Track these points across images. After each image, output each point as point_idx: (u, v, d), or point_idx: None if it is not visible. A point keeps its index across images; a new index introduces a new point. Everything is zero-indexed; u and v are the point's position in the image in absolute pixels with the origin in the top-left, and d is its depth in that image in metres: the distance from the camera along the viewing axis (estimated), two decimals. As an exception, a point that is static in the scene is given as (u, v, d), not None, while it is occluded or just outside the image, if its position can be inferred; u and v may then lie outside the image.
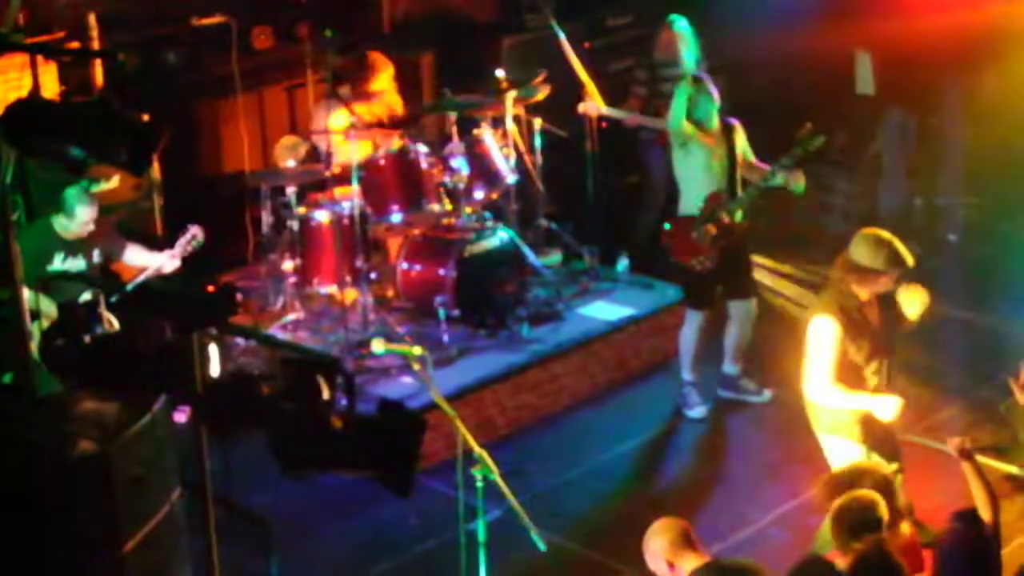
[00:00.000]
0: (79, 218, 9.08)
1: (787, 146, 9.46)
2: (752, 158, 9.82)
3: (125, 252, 9.50)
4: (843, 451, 7.74)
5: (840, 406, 7.63)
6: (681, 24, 11.51)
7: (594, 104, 11.19)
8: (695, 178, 9.70)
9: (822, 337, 7.59)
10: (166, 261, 9.42)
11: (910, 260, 7.64)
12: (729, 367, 10.20)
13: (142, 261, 9.46)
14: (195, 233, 9.45)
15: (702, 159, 9.64)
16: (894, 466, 7.60)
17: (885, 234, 7.70)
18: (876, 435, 7.69)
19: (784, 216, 12.33)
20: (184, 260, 9.45)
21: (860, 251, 7.60)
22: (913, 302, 7.80)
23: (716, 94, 9.66)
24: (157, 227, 10.29)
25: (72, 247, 9.15)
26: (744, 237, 9.88)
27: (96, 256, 9.27)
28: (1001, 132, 11.78)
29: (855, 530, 6.27)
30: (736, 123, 9.79)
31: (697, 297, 10.00)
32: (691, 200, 9.73)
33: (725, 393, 10.20)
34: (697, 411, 10.04)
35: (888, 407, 7.56)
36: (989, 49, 11.80)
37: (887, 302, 7.77)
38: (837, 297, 7.67)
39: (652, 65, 11.63)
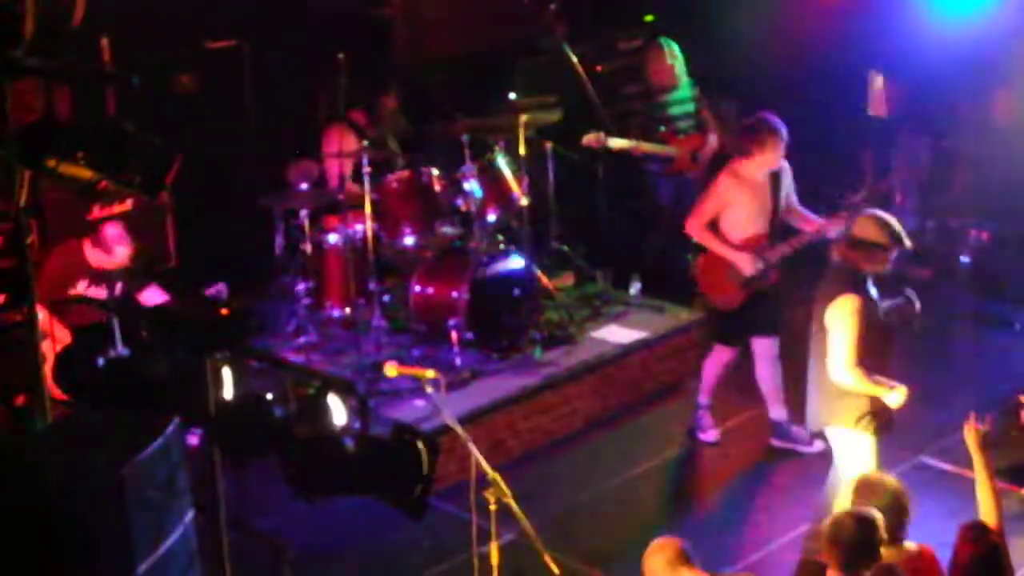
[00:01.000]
0: (116, 257, 9.17)
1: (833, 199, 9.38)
2: (796, 202, 9.55)
3: (145, 291, 9.50)
4: (851, 443, 7.89)
5: (856, 388, 7.73)
6: (672, 47, 11.51)
7: (600, 135, 11.16)
8: (738, 218, 9.44)
9: (847, 312, 7.71)
10: None
11: (906, 239, 7.84)
12: (776, 412, 9.84)
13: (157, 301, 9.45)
14: (220, 290, 9.47)
15: (747, 199, 9.41)
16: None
17: (886, 215, 7.91)
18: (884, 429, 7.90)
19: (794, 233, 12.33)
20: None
21: (864, 228, 7.80)
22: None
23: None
24: (170, 250, 10.31)
25: (97, 276, 9.18)
26: (778, 279, 9.60)
27: (118, 289, 9.28)
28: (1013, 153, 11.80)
29: (854, 561, 6.26)
30: (785, 164, 9.50)
31: (726, 333, 9.80)
32: (731, 239, 9.47)
33: (777, 443, 9.83)
34: (710, 434, 10.00)
35: (897, 396, 7.72)
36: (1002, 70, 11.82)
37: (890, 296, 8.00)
38: (850, 277, 7.81)
39: (648, 92, 11.62)
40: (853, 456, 7.89)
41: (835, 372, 7.76)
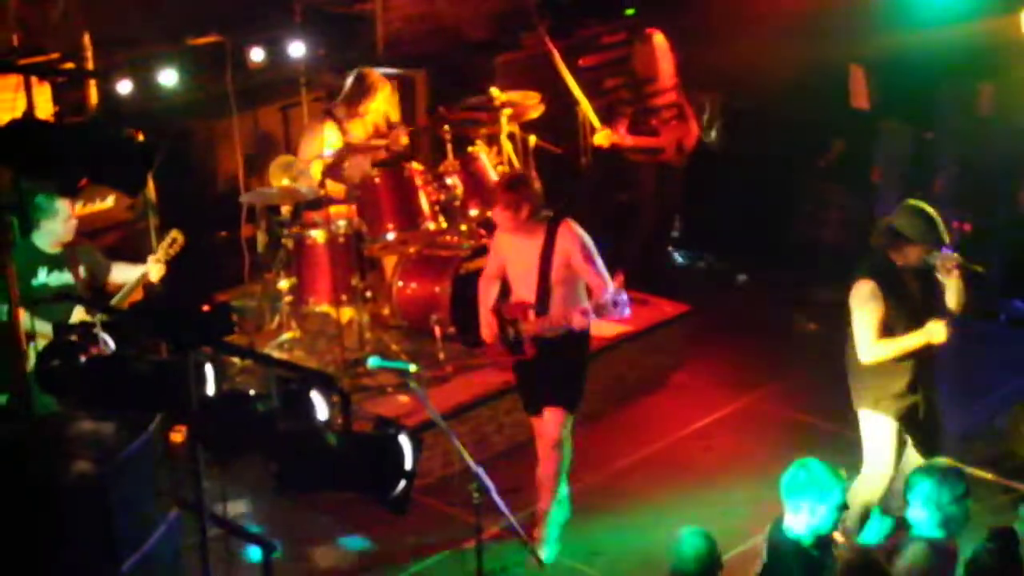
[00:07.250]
0: (62, 214, 8.96)
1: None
2: (590, 274, 8.26)
3: (112, 271, 9.44)
4: (880, 428, 8.03)
5: (889, 356, 7.82)
6: (658, 38, 11.53)
7: (611, 132, 11.26)
8: (510, 278, 8.65)
9: (862, 297, 7.83)
10: (151, 266, 9.33)
11: (945, 236, 7.90)
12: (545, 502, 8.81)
13: (128, 275, 9.38)
14: (175, 236, 9.42)
15: (512, 258, 8.55)
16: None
17: (928, 207, 7.94)
18: (915, 421, 8.05)
19: (782, 228, 12.35)
20: (170, 266, 9.40)
21: (901, 219, 7.88)
22: (951, 291, 7.96)
23: None
24: (152, 247, 10.29)
25: (54, 261, 9.05)
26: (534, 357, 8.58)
27: (82, 272, 9.19)
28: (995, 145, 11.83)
29: None
30: (567, 222, 8.49)
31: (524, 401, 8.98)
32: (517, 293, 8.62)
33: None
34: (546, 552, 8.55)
35: (934, 331, 7.76)
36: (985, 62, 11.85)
37: (929, 280, 7.98)
38: (875, 262, 7.92)
39: (636, 83, 11.61)
40: (876, 440, 8.03)
41: (862, 355, 7.87)
